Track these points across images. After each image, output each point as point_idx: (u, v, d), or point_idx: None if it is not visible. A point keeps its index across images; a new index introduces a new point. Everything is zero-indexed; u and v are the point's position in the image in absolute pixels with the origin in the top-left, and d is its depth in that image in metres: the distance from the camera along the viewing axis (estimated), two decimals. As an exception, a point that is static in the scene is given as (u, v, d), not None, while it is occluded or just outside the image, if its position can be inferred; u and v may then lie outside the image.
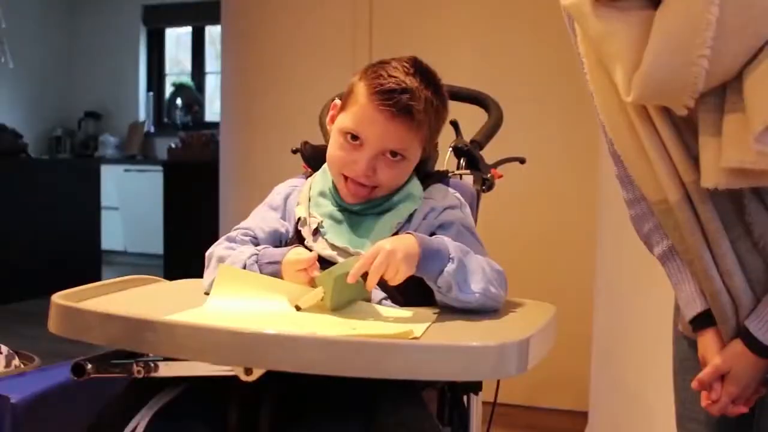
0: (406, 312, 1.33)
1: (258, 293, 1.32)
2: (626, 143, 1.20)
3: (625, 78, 1.09)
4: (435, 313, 1.32)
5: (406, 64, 1.44)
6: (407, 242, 1.30)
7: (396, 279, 1.28)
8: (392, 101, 1.40)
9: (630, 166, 1.23)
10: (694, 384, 1.22)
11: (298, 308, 1.28)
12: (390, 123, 1.40)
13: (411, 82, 1.42)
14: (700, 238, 1.15)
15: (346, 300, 1.31)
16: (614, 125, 1.21)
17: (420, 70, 1.45)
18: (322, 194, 1.53)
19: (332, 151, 1.49)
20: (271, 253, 1.42)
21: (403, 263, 1.26)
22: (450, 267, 1.30)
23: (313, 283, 1.33)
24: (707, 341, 1.23)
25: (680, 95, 1.06)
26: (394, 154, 1.44)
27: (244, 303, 1.30)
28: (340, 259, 1.41)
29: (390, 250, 1.27)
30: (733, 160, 1.05)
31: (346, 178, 1.47)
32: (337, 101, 1.53)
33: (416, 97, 1.41)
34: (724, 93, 1.07)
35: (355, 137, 1.44)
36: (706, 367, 1.21)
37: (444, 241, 1.35)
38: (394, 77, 1.41)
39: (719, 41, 1.01)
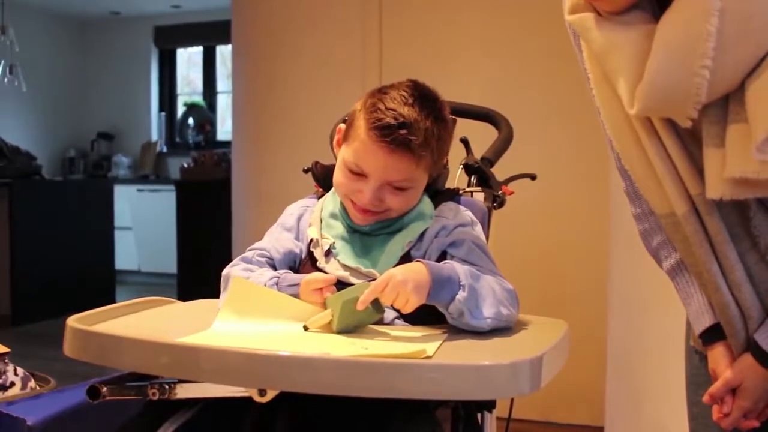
0: (417, 331, 1.34)
1: (269, 311, 1.33)
2: (633, 157, 1.20)
3: (629, 90, 1.09)
4: (446, 332, 1.32)
5: (404, 93, 1.43)
6: (418, 272, 1.30)
7: (406, 308, 1.28)
8: (390, 137, 1.39)
9: (637, 180, 1.23)
10: (705, 398, 1.22)
11: (306, 328, 1.29)
12: (390, 157, 1.41)
13: (409, 113, 1.40)
14: (708, 250, 1.15)
15: (354, 324, 1.32)
16: (621, 139, 1.21)
17: (420, 96, 1.44)
18: (333, 216, 1.54)
19: (338, 178, 1.50)
20: (292, 277, 1.43)
21: (413, 294, 1.27)
22: (461, 295, 1.30)
23: (324, 304, 1.34)
24: (717, 355, 1.22)
25: (683, 106, 1.06)
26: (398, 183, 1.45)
27: (254, 325, 1.30)
28: (353, 280, 1.42)
29: (400, 280, 1.27)
30: (735, 170, 1.04)
31: (353, 202, 1.48)
32: (342, 126, 1.53)
33: (415, 130, 1.40)
34: (727, 104, 1.07)
35: (358, 169, 1.45)
36: (717, 381, 1.21)
37: (454, 267, 1.35)
38: (392, 110, 1.40)
39: (720, 52, 1.01)
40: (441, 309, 1.33)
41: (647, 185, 1.20)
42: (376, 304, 1.29)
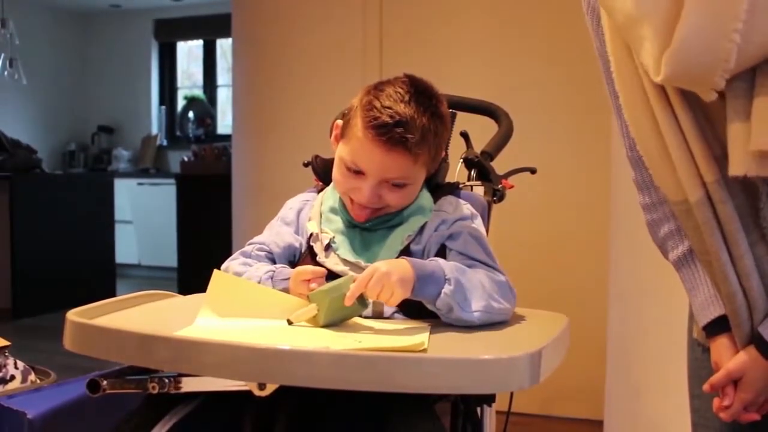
0: (408, 324, 1.34)
1: (249, 305, 1.33)
2: (650, 143, 1.19)
3: (656, 56, 1.07)
4: (431, 323, 1.33)
5: (400, 90, 1.43)
6: (401, 266, 1.30)
7: (391, 301, 1.29)
8: (386, 136, 1.39)
9: (652, 166, 1.22)
10: (705, 387, 1.22)
11: (290, 322, 1.29)
12: (387, 156, 1.41)
13: (405, 110, 1.40)
14: (719, 238, 1.15)
15: (340, 318, 1.32)
16: (639, 125, 1.20)
17: (416, 93, 1.44)
18: (333, 210, 1.54)
19: (336, 176, 1.50)
20: (287, 271, 1.43)
21: (397, 286, 1.27)
22: (447, 288, 1.30)
23: (306, 297, 1.34)
24: (720, 347, 1.22)
25: (711, 73, 1.04)
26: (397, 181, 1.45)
27: (236, 321, 1.30)
28: (353, 275, 1.42)
29: (385, 272, 1.27)
30: (762, 142, 1.03)
31: (352, 199, 1.48)
32: (339, 122, 1.53)
33: (411, 128, 1.40)
34: (754, 78, 1.05)
35: (356, 167, 1.45)
36: (719, 371, 1.20)
37: (439, 263, 1.36)
38: (388, 108, 1.40)
39: (752, 16, 1.00)
40: (430, 306, 1.33)
41: (662, 171, 1.19)
42: (360, 298, 1.30)
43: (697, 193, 1.14)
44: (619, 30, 1.17)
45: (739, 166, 1.07)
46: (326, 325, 1.30)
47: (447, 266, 1.34)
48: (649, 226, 1.31)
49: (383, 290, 1.27)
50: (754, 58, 1.04)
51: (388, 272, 1.28)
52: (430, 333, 1.26)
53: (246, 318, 1.31)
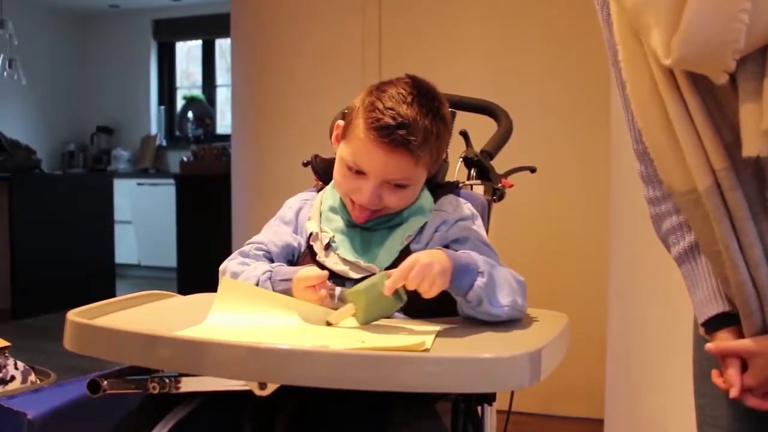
0: (412, 323, 1.34)
1: (260, 308, 1.33)
2: (657, 132, 1.18)
3: (665, 40, 1.07)
4: (439, 325, 1.32)
5: (403, 92, 1.42)
6: (440, 257, 1.29)
7: (431, 292, 1.27)
8: (389, 138, 1.39)
9: (659, 156, 1.21)
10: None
11: (329, 324, 1.29)
12: (389, 157, 1.40)
13: (408, 112, 1.40)
14: (728, 226, 1.14)
15: (377, 315, 1.31)
16: (645, 113, 1.20)
17: (419, 94, 1.43)
18: (332, 209, 1.54)
19: (337, 176, 1.50)
20: (285, 270, 1.43)
21: (438, 276, 1.26)
22: (480, 281, 1.30)
23: (321, 302, 1.33)
24: (723, 339, 1.21)
25: (722, 54, 1.04)
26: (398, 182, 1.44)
27: (248, 317, 1.30)
28: (353, 274, 1.43)
29: (427, 263, 1.26)
30: None
31: (353, 201, 1.48)
32: (340, 122, 1.53)
33: (413, 130, 1.39)
34: (764, 59, 1.05)
35: (357, 168, 1.44)
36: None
37: (472, 255, 1.35)
38: (391, 109, 1.39)
39: None
40: (459, 297, 1.32)
41: (668, 161, 1.18)
42: (396, 293, 1.28)
43: (706, 180, 1.14)
44: (627, 16, 1.17)
45: (752, 146, 1.06)
46: (366, 323, 1.29)
47: (479, 259, 1.34)
48: (653, 219, 1.31)
49: (424, 280, 1.26)
50: (763, 39, 1.04)
51: (431, 263, 1.26)
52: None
53: (256, 316, 1.30)
